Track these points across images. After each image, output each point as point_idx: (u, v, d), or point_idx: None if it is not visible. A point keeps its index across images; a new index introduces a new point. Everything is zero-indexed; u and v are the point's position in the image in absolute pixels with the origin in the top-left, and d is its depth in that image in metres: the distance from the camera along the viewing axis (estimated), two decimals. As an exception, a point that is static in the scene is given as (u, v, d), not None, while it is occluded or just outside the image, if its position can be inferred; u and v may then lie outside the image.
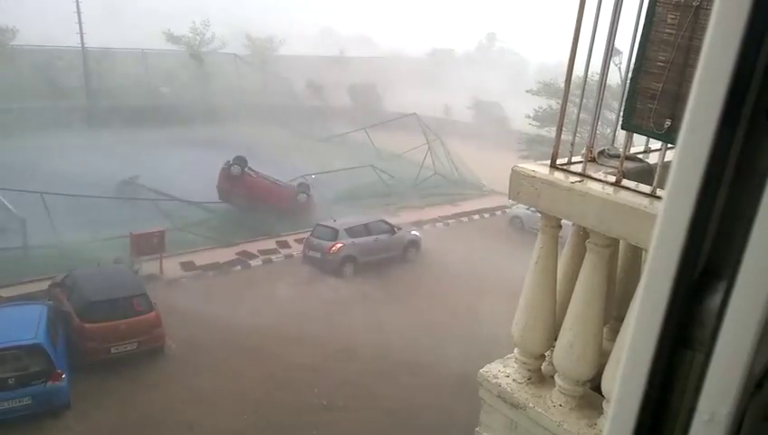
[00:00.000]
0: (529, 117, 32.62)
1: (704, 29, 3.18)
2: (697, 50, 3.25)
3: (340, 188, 24.85)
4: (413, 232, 21.67)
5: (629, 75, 3.54)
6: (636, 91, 3.49)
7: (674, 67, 3.28)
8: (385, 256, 19.94)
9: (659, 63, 3.34)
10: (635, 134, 3.91)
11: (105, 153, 25.03)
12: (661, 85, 3.33)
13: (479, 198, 27.49)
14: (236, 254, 19.96)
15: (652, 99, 3.39)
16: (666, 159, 3.60)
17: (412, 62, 50.59)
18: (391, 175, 26.88)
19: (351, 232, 19.62)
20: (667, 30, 3.26)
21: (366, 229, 20.09)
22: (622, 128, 3.69)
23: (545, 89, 31.53)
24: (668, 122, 3.33)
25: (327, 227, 19.83)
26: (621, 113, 3.65)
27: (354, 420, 12.50)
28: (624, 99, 3.59)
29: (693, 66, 3.17)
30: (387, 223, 20.90)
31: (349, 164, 25.97)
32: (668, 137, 3.45)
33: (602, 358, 3.91)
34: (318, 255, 19.39)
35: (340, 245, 19.15)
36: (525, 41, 53.96)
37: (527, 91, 32.78)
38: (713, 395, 0.65)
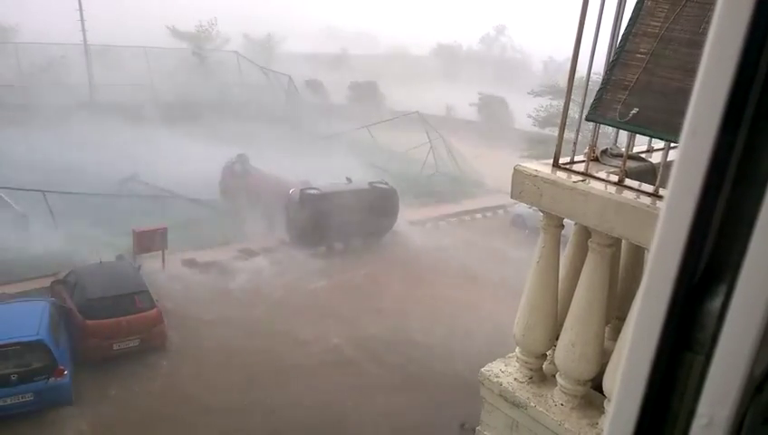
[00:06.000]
0: (531, 116, 32.57)
1: (691, 21, 3.16)
2: (681, 41, 3.26)
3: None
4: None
5: (606, 68, 3.51)
6: (609, 82, 3.46)
7: (653, 58, 3.26)
8: (350, 191, 21.01)
9: (639, 55, 3.32)
10: (637, 134, 3.89)
11: (107, 149, 25.06)
12: (636, 77, 3.31)
13: (481, 197, 27.45)
14: (239, 251, 19.97)
15: (624, 90, 3.36)
16: (669, 159, 3.60)
17: (416, 59, 50.52)
18: (392, 173, 26.86)
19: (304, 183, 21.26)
20: (653, 22, 3.25)
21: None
22: (586, 119, 3.65)
23: (547, 90, 31.50)
24: (635, 110, 3.30)
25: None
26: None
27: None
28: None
29: (672, 57, 3.17)
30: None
31: (350, 162, 25.94)
32: (632, 126, 3.41)
33: (604, 357, 3.91)
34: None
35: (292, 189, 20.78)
36: (532, 36, 53.76)
37: (529, 93, 32.74)
38: (712, 398, 0.65)
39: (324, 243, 20.54)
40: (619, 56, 3.39)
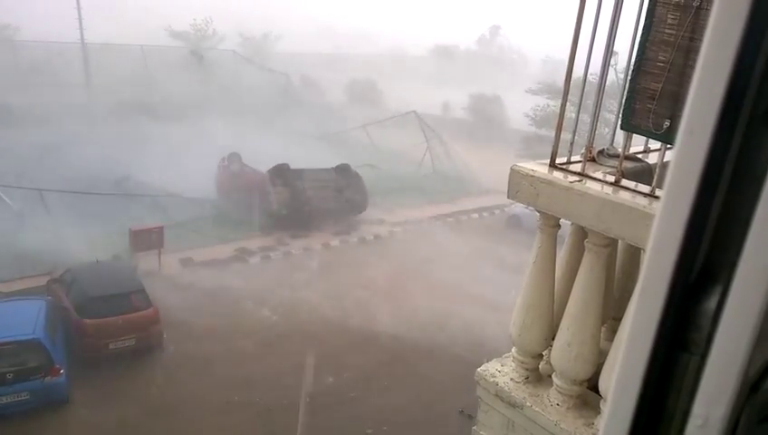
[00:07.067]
0: (528, 115, 32.59)
1: (704, 29, 3.17)
2: (698, 50, 3.26)
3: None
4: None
5: (629, 75, 3.53)
6: (635, 91, 3.48)
7: (673, 67, 3.27)
8: (315, 169, 22.70)
9: (659, 64, 3.33)
10: (634, 134, 3.90)
11: (104, 148, 25.01)
12: (660, 85, 3.33)
13: (478, 197, 27.45)
14: (235, 250, 19.94)
15: (651, 99, 3.38)
16: (665, 159, 3.60)
17: (413, 60, 50.53)
18: (389, 173, 26.87)
19: None
20: (667, 30, 3.25)
21: None
22: (621, 128, 3.68)
23: (545, 88, 31.51)
24: (667, 123, 3.33)
25: None
26: (620, 113, 3.64)
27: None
28: (623, 99, 3.58)
29: (693, 67, 3.16)
30: None
31: (346, 161, 25.96)
32: (667, 137, 3.45)
33: (600, 358, 3.91)
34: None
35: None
36: (529, 36, 53.82)
37: (526, 91, 32.76)
38: (707, 398, 0.65)
39: (298, 215, 21.55)
40: (641, 64, 3.40)
